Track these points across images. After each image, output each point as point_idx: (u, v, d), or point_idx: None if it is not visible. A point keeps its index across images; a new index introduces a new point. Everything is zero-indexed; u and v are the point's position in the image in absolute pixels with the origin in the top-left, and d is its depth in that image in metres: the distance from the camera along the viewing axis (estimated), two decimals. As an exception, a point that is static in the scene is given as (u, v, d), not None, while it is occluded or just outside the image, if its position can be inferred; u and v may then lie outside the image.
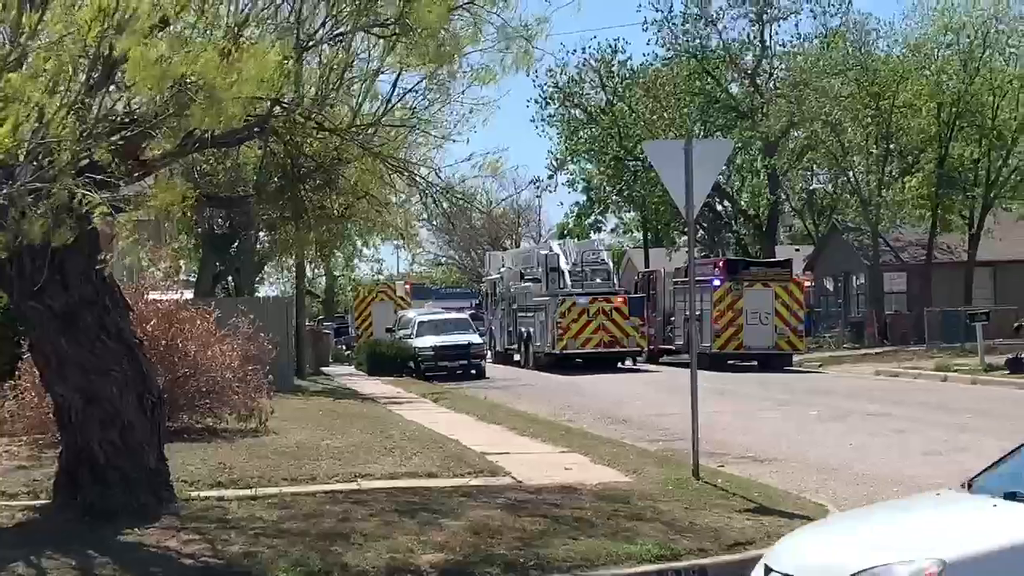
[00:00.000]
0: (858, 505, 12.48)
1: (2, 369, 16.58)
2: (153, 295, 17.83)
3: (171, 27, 9.37)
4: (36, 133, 7.91)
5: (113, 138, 8.81)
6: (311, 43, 11.25)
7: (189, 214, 9.95)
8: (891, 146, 46.59)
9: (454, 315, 43.30)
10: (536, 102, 58.49)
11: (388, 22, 11.47)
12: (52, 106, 7.94)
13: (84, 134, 8.15)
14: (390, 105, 12.73)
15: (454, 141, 13.09)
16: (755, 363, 37.17)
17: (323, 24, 11.64)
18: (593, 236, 64.50)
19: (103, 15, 7.85)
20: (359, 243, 40.98)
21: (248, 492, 11.77)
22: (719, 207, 57.25)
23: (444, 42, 11.18)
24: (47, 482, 11.46)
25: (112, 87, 8.90)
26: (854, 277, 52.90)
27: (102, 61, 8.59)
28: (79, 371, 10.52)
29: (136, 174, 9.90)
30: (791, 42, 55.14)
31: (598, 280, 39.93)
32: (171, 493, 11.13)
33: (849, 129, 47.60)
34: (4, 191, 8.07)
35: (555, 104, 58.50)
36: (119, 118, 9.32)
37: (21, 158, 8.35)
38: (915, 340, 42.31)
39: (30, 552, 9.28)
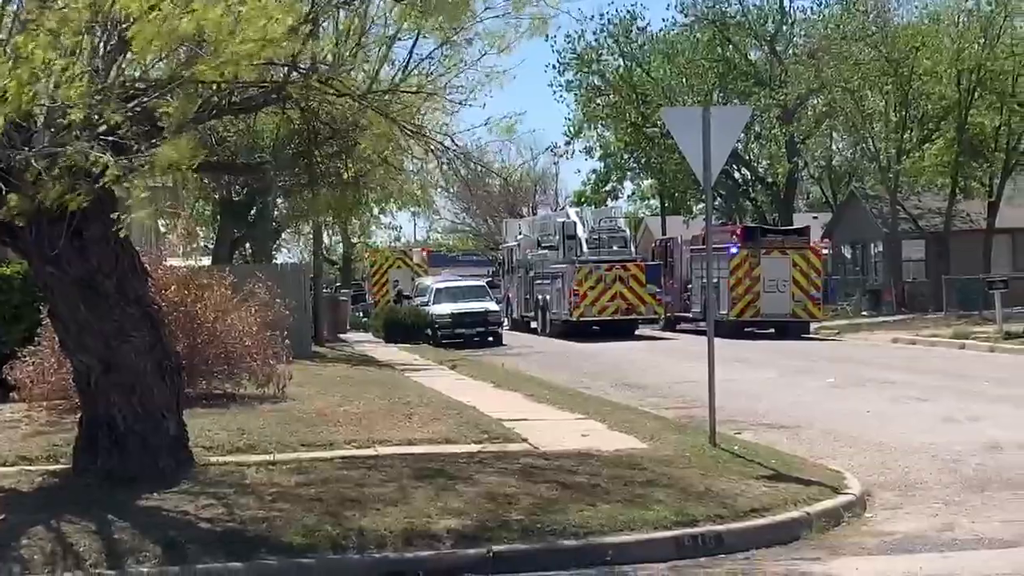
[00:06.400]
0: (874, 471, 12.50)
1: (22, 335, 16.65)
2: (171, 261, 17.86)
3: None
4: (51, 95, 7.89)
5: (130, 104, 8.79)
6: (325, 4, 11.21)
7: (197, 175, 9.90)
8: (911, 113, 46.28)
9: (471, 282, 43.32)
10: (554, 67, 58.22)
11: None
12: (64, 68, 7.91)
13: (97, 96, 8.13)
14: (407, 72, 12.71)
15: (470, 106, 13.06)
16: (772, 331, 37.11)
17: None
18: (610, 203, 64.37)
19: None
20: (375, 210, 40.91)
21: (266, 457, 11.82)
22: (737, 174, 56.97)
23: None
24: (67, 447, 11.51)
25: (129, 54, 8.86)
26: (872, 245, 52.64)
27: (117, 27, 8.57)
28: (98, 337, 10.54)
29: (153, 140, 9.89)
30: (811, 8, 54.78)
31: (615, 247, 39.89)
32: (190, 458, 11.19)
33: (868, 96, 47.30)
34: (20, 155, 8.08)
35: (572, 70, 58.17)
36: (135, 83, 9.30)
37: (40, 122, 8.36)
38: (933, 308, 42.14)
39: (50, 516, 9.34)
